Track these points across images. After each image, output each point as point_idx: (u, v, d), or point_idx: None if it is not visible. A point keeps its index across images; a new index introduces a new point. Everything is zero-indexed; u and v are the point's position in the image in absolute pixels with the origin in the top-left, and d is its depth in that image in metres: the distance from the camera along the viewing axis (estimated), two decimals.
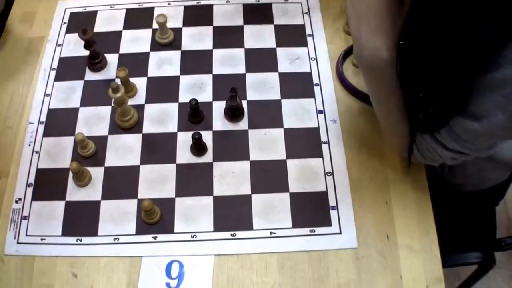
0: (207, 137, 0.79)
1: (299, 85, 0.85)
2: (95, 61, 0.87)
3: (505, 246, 0.93)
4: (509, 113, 0.52)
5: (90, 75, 0.87)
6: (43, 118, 0.82)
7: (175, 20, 0.93)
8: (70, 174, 0.76)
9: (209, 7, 0.95)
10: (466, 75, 0.53)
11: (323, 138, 0.80)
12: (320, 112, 0.82)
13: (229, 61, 0.88)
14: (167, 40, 0.89)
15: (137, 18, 0.94)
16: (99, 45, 0.86)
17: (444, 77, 0.55)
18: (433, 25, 0.53)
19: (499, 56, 0.50)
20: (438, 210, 0.75)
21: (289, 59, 0.88)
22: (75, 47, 0.90)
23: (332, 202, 0.74)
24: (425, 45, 0.55)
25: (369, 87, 0.65)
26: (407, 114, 0.65)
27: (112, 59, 0.88)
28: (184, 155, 0.78)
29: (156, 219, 0.72)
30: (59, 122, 0.82)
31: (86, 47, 0.84)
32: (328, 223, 0.73)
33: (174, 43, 0.90)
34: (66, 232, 0.72)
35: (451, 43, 0.52)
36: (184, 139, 0.79)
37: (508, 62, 0.50)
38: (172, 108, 0.83)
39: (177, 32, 0.92)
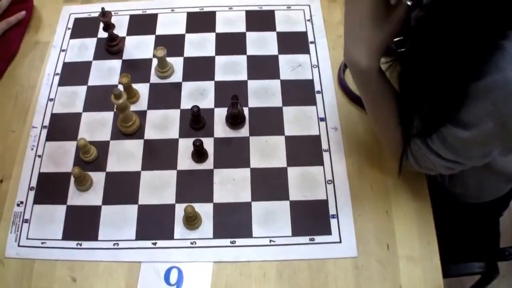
0: (208, 143, 0.79)
1: (300, 92, 0.85)
2: (113, 44, 0.89)
3: (509, 256, 0.92)
4: (498, 120, 0.52)
5: (93, 81, 0.87)
6: (46, 123, 0.83)
7: (177, 26, 0.94)
8: (72, 179, 0.77)
9: (212, 14, 0.95)
10: (457, 82, 0.53)
11: (324, 146, 0.80)
12: (322, 119, 0.82)
13: (231, 68, 0.88)
14: (166, 74, 0.86)
15: (141, 24, 0.94)
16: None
17: (438, 83, 0.55)
18: (429, 32, 0.53)
19: (487, 63, 0.50)
20: (440, 219, 0.74)
21: (291, 66, 0.88)
22: (79, 52, 0.91)
23: (332, 211, 0.74)
24: (421, 52, 0.56)
25: (359, 93, 0.69)
26: (401, 120, 0.66)
27: (115, 64, 0.89)
28: (185, 161, 0.79)
29: (197, 225, 0.72)
30: (62, 126, 0.83)
31: (105, 29, 0.87)
32: (328, 232, 0.73)
33: (177, 50, 0.90)
34: (66, 236, 0.73)
35: (445, 49, 0.52)
36: (185, 146, 0.80)
37: (495, 68, 0.49)
38: (174, 115, 0.83)
39: (180, 38, 0.92)
